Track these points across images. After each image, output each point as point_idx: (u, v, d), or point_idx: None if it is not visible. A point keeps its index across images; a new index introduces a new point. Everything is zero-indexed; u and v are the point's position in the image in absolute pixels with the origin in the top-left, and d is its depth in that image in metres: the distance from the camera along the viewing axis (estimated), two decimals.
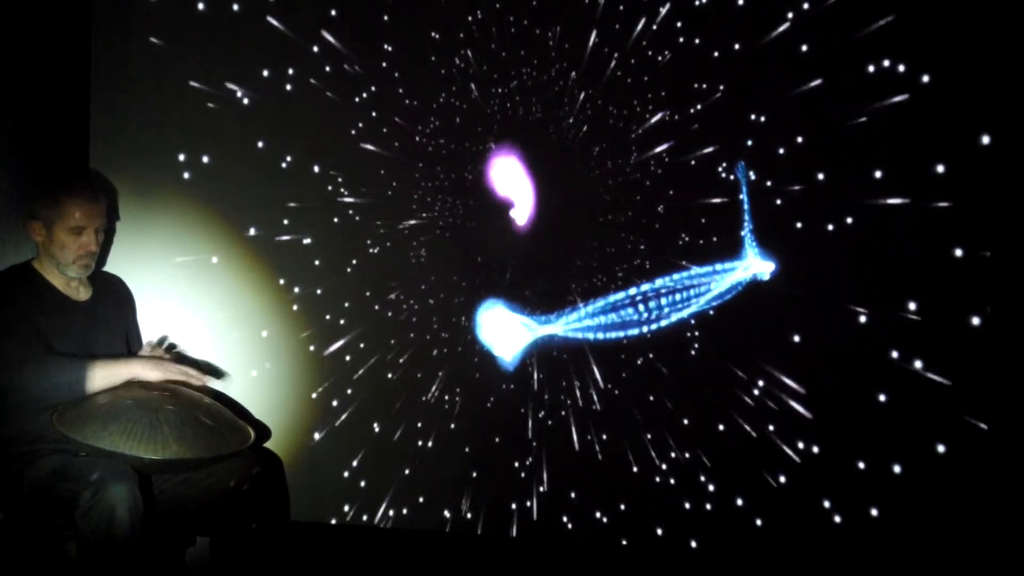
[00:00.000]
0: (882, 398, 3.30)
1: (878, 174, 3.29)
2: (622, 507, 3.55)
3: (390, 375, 3.60)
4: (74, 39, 3.49)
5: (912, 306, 3.26)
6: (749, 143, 3.41)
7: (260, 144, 3.54)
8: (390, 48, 3.55)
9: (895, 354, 3.28)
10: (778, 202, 3.40)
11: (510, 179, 3.59)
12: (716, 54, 3.44)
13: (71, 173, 3.17)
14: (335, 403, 3.60)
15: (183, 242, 3.53)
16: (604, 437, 3.55)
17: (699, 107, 3.46)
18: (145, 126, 3.50)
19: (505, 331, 3.59)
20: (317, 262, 3.58)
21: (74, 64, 3.49)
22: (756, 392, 3.42)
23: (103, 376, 2.82)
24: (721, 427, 3.45)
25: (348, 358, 3.59)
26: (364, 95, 3.56)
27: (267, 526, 3.06)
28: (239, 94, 3.52)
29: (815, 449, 3.38)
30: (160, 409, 2.76)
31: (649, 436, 3.51)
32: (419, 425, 3.60)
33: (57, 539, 2.86)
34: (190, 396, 2.92)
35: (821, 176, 3.35)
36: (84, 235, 2.93)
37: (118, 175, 3.47)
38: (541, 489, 3.59)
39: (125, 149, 3.50)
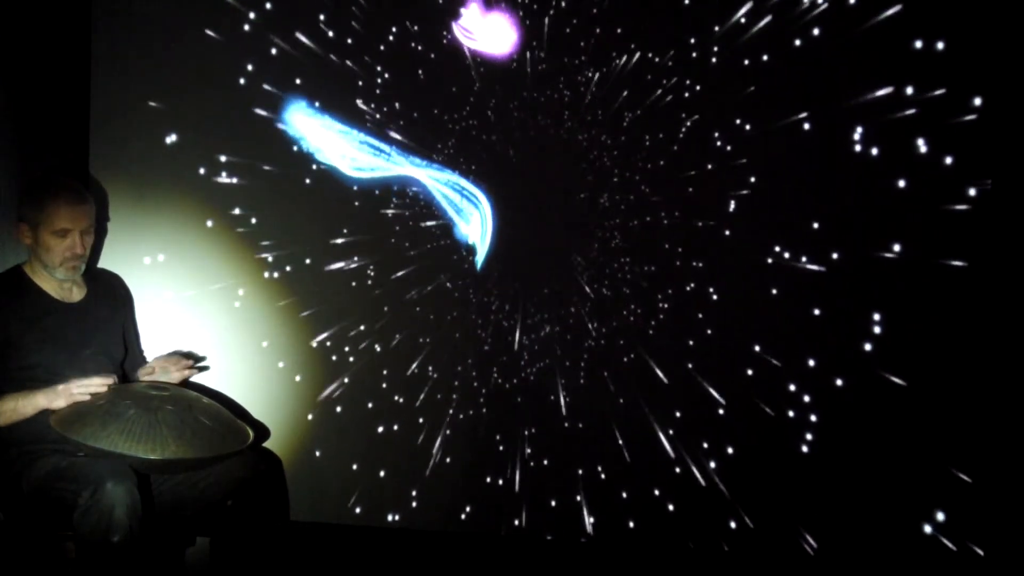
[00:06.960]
0: None
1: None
2: (622, 506, 3.55)
3: (392, 375, 3.59)
4: (74, 39, 3.49)
5: None
6: None
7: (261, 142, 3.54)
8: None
9: None
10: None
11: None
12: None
13: (58, 174, 3.07)
14: (335, 403, 3.60)
15: (184, 241, 3.53)
16: (603, 436, 3.54)
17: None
18: (145, 125, 3.50)
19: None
20: (316, 256, 3.58)
21: (74, 64, 3.49)
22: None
23: (10, 409, 2.82)
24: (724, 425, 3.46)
25: (349, 358, 3.59)
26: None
27: (267, 527, 3.06)
28: (238, 93, 3.53)
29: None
30: (159, 409, 2.77)
31: (657, 432, 3.51)
32: (420, 425, 3.60)
33: (57, 539, 2.86)
34: (189, 396, 2.92)
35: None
36: (69, 238, 2.88)
37: (118, 175, 3.47)
38: (542, 489, 3.58)
39: (125, 149, 3.49)
